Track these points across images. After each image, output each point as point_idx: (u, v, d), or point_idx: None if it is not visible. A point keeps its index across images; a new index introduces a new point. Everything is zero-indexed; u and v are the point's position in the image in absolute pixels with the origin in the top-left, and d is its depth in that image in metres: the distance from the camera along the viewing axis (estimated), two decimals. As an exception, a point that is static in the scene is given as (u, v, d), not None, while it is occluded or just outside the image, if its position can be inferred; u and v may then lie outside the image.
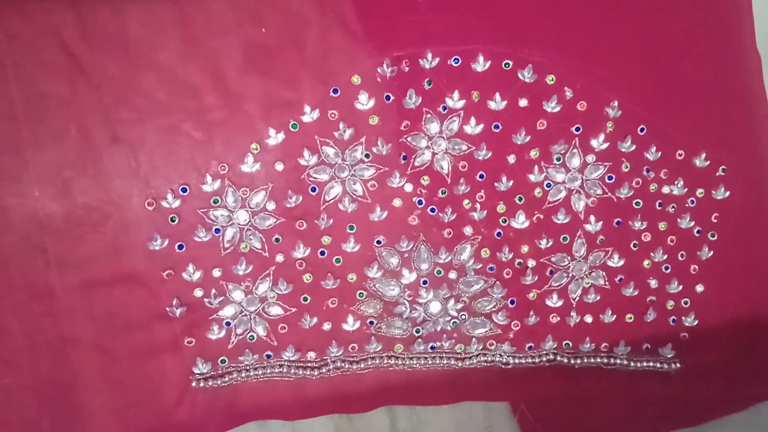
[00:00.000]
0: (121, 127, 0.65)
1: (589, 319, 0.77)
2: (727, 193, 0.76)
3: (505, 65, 0.69)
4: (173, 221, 0.67)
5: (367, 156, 0.69)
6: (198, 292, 0.69)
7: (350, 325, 0.73)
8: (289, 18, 0.65)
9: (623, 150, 0.73)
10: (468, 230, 0.72)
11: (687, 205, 0.76)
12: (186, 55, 0.64)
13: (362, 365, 0.74)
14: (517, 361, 0.77)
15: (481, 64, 0.68)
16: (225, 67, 0.65)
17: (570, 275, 0.75)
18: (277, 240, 0.69)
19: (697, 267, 0.78)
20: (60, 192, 0.65)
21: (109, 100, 0.64)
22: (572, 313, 0.76)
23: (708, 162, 0.75)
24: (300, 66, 0.66)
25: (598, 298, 0.76)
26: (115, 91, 0.64)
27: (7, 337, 0.67)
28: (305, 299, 0.71)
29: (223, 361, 0.71)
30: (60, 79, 0.63)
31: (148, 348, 0.69)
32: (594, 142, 0.72)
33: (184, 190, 0.67)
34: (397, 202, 0.71)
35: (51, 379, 0.68)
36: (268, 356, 0.72)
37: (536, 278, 0.75)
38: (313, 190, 0.69)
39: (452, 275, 0.73)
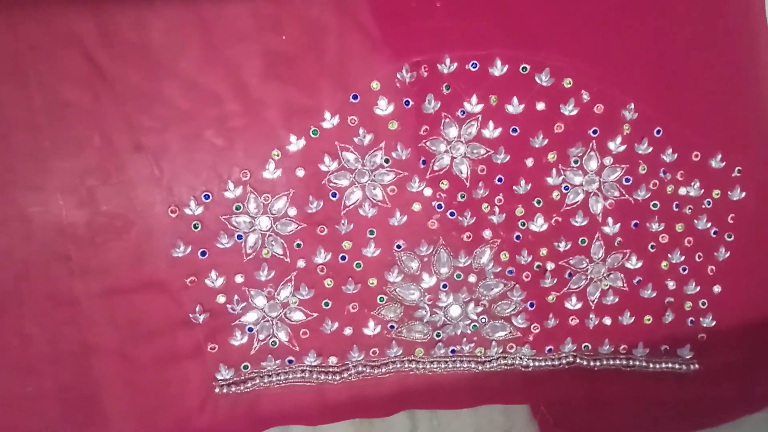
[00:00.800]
0: (143, 135, 0.65)
1: (607, 321, 0.77)
2: (743, 194, 0.76)
3: (522, 69, 0.69)
4: (196, 228, 0.67)
5: (386, 161, 0.69)
6: (221, 299, 0.69)
7: (371, 329, 0.73)
8: (308, 25, 0.66)
9: (640, 152, 0.73)
10: (487, 234, 0.73)
11: (703, 207, 0.76)
12: (207, 63, 0.65)
13: (383, 369, 0.74)
14: (536, 363, 0.77)
15: (498, 69, 0.69)
16: (245, 75, 0.66)
17: (588, 277, 0.76)
18: (298, 245, 0.70)
19: (714, 268, 0.78)
20: (83, 200, 0.65)
21: (132, 109, 0.64)
22: (591, 315, 0.77)
23: (724, 163, 0.75)
24: (320, 72, 0.67)
25: (617, 300, 0.77)
26: (137, 100, 0.64)
27: (30, 345, 0.67)
28: (326, 304, 0.72)
29: (245, 367, 0.72)
30: (82, 87, 0.64)
31: (170, 354, 0.70)
32: (611, 145, 0.72)
33: (206, 197, 0.67)
34: (416, 207, 0.71)
35: (73, 386, 0.68)
36: (290, 361, 0.73)
37: (555, 281, 0.75)
38: (334, 195, 0.69)
39: (472, 279, 0.74)
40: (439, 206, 0.71)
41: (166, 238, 0.67)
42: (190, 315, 0.69)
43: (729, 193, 0.76)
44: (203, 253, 0.68)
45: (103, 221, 0.66)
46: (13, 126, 0.63)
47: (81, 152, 0.65)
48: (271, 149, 0.68)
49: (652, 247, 0.76)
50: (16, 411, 0.67)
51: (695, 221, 0.76)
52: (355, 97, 0.68)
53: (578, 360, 0.78)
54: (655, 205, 0.75)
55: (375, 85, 0.68)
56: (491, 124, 0.70)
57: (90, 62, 0.64)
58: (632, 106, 0.72)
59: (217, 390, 0.71)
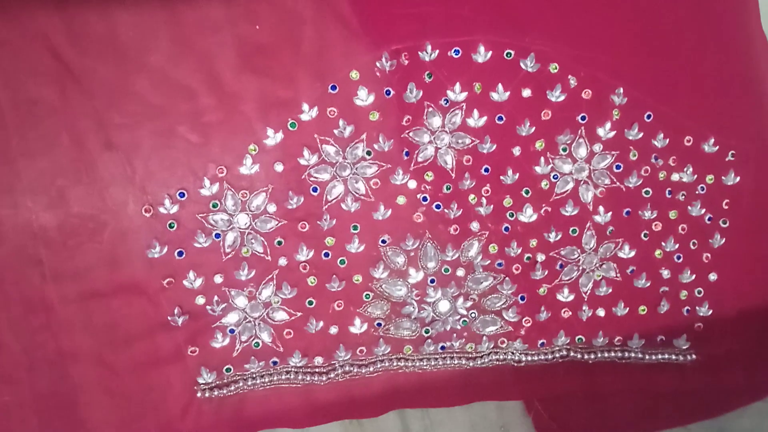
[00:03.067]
0: (114, 132, 0.62)
1: (601, 312, 0.75)
2: (738, 179, 0.75)
3: (506, 55, 0.67)
4: (172, 227, 0.65)
5: (368, 153, 0.67)
6: (200, 300, 0.67)
7: (357, 327, 0.71)
8: (283, 15, 0.63)
9: (630, 138, 0.71)
10: (475, 226, 0.70)
11: (697, 192, 0.74)
12: (178, 57, 0.62)
13: (371, 368, 0.72)
14: (529, 358, 0.75)
15: (482, 55, 0.66)
16: (219, 67, 0.63)
17: (581, 268, 0.73)
18: (279, 243, 0.67)
19: (709, 255, 0.76)
20: (54, 202, 0.63)
21: (102, 106, 0.62)
22: (584, 307, 0.75)
23: (717, 147, 0.73)
24: (296, 63, 0.64)
25: (610, 290, 0.74)
26: (107, 96, 0.62)
27: (4, 353, 0.65)
28: (310, 303, 0.69)
29: (228, 370, 0.69)
30: (50, 85, 0.61)
31: (150, 359, 0.67)
32: (600, 131, 0.70)
33: (181, 195, 0.65)
34: (401, 200, 0.69)
35: (51, 394, 0.66)
36: (275, 363, 0.70)
37: (546, 273, 0.73)
38: (315, 190, 0.67)
39: (460, 273, 0.71)
40: (425, 199, 0.69)
41: (141, 238, 0.65)
42: (169, 318, 0.67)
43: (723, 177, 0.74)
44: (180, 253, 0.66)
45: (74, 223, 0.64)
46: (-23, 126, 0.61)
47: (50, 151, 0.62)
48: (248, 144, 0.65)
49: (645, 235, 0.74)
50: (-8, 421, 0.65)
51: (689, 207, 0.74)
52: (333, 87, 0.65)
53: (572, 353, 0.76)
54: (647, 192, 0.73)
55: (354, 74, 0.65)
56: (476, 112, 0.67)
57: (57, 58, 0.61)
58: (621, 90, 0.70)
59: (199, 394, 0.69)
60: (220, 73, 0.63)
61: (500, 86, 0.67)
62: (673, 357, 0.78)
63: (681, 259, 0.75)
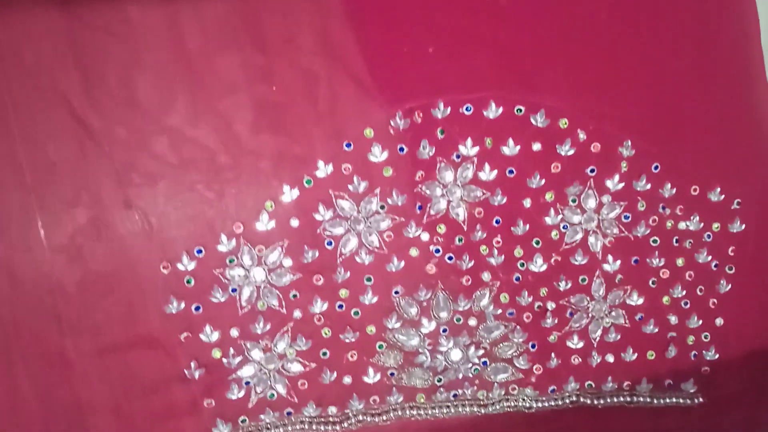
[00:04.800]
0: (133, 191, 0.64)
1: (610, 358, 0.76)
2: (743, 226, 0.76)
3: (517, 111, 0.68)
4: (189, 283, 0.66)
5: (382, 207, 0.68)
6: (216, 353, 0.68)
7: (371, 377, 0.72)
8: (299, 74, 0.65)
9: (638, 189, 0.72)
10: (486, 276, 0.72)
11: (704, 240, 0.75)
12: (197, 117, 0.64)
13: (384, 417, 0.73)
14: (539, 404, 0.76)
15: (493, 111, 0.68)
16: (236, 127, 0.64)
17: (590, 315, 0.75)
18: (294, 296, 0.68)
19: (716, 301, 0.77)
20: (72, 258, 0.64)
21: (120, 166, 0.63)
22: (594, 354, 0.76)
23: (723, 196, 0.74)
24: (312, 121, 0.66)
25: (619, 337, 0.76)
26: (125, 156, 0.63)
27: (22, 405, 0.66)
28: (324, 354, 0.70)
29: (243, 421, 0.70)
30: (69, 145, 0.62)
31: (166, 411, 0.68)
32: (609, 183, 0.71)
33: (199, 251, 0.66)
34: (414, 252, 0.70)
35: (68, 446, 0.67)
36: (289, 413, 0.71)
37: (556, 320, 0.74)
38: (330, 243, 0.68)
39: (472, 322, 0.72)
40: (437, 250, 0.70)
41: (158, 294, 0.66)
42: (186, 371, 0.67)
43: (729, 225, 0.75)
44: (197, 308, 0.67)
45: (93, 279, 0.65)
46: (-1, 185, 0.62)
47: (69, 211, 0.63)
48: (265, 200, 0.66)
49: (653, 282, 0.75)
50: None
51: (696, 255, 0.75)
52: (348, 145, 0.66)
53: (582, 399, 0.77)
54: (655, 241, 0.74)
55: (368, 132, 0.66)
56: (487, 166, 0.69)
57: (76, 119, 0.62)
58: (629, 143, 0.71)
59: (215, 446, 0.70)
60: (238, 132, 0.65)
61: (511, 141, 0.69)
62: (681, 400, 0.79)
63: (688, 305, 0.76)
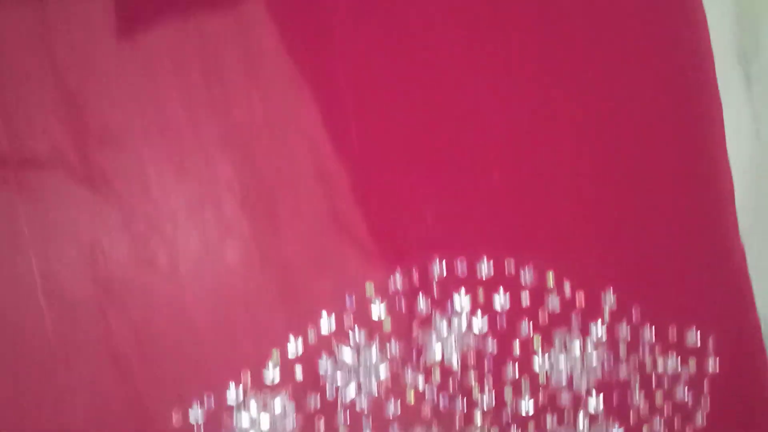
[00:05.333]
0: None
1: (595, 489, 0.80)
2: (718, 362, 0.81)
3: (507, 266, 0.73)
4: (197, 433, 0.70)
5: (381, 357, 0.73)
6: (221, 498, 0.71)
7: None
8: (308, 238, 0.70)
9: (621, 335, 0.77)
10: (478, 417, 0.76)
11: (681, 378, 0.80)
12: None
13: None
14: None
15: (485, 266, 0.73)
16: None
17: (574, 449, 0.79)
18: (296, 441, 0.72)
19: (692, 432, 0.82)
20: (89, 418, 0.67)
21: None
22: (579, 486, 0.80)
23: (699, 335, 0.80)
24: (317, 276, 0.70)
25: (603, 469, 0.80)
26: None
27: None
28: (325, 493, 0.74)
29: None
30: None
31: None
32: (593, 329, 0.77)
33: (207, 399, 0.69)
34: (410, 397, 0.74)
35: None
36: None
37: (543, 454, 0.78)
38: (331, 390, 0.72)
39: (465, 460, 0.77)
40: (432, 395, 0.74)
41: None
42: None
43: (704, 363, 0.81)
44: (206, 455, 0.70)
45: None
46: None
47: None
48: (271, 350, 0.70)
49: (633, 418, 0.80)
50: None
51: (673, 391, 0.80)
52: (350, 298, 0.71)
53: None
54: (635, 381, 0.79)
55: (369, 287, 0.71)
56: (479, 316, 0.74)
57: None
58: (611, 291, 0.76)
59: None
60: (246, 286, 0.69)
61: (501, 293, 0.74)
62: None
63: (666, 439, 0.81)
